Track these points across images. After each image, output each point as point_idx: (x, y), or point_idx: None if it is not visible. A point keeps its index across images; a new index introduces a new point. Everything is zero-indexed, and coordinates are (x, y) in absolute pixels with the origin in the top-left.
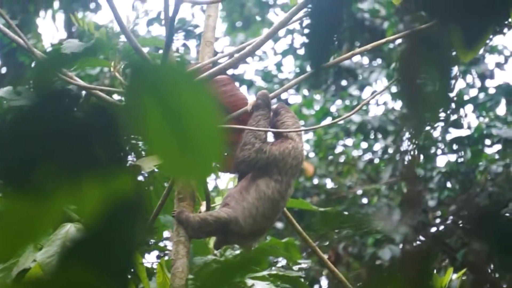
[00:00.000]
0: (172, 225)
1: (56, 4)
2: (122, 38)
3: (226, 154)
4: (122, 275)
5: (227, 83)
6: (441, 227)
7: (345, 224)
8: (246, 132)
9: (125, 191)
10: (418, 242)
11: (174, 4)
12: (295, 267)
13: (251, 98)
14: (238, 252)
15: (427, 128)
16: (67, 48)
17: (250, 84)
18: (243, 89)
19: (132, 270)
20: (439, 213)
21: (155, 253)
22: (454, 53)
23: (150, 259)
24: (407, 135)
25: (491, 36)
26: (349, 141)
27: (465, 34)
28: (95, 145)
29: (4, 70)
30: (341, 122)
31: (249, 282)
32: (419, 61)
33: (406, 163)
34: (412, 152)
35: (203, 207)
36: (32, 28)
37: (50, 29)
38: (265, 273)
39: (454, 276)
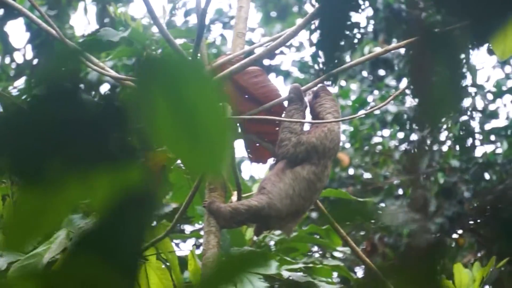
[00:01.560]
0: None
1: None
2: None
3: (258, 144)
4: (130, 267)
5: (258, 74)
6: (478, 219)
7: (355, 214)
8: (282, 128)
9: (136, 183)
10: (426, 237)
11: None
12: (336, 254)
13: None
14: (277, 239)
15: (441, 125)
16: (104, 36)
17: (286, 74)
18: (280, 80)
19: (140, 261)
20: (475, 204)
21: (192, 241)
22: (466, 51)
23: (185, 248)
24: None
25: None
26: (386, 132)
27: (476, 30)
28: (106, 138)
29: (36, 62)
30: (377, 112)
31: (285, 274)
32: (430, 60)
33: (409, 160)
34: (416, 149)
35: (234, 197)
36: (64, 20)
37: (82, 21)
38: (301, 264)
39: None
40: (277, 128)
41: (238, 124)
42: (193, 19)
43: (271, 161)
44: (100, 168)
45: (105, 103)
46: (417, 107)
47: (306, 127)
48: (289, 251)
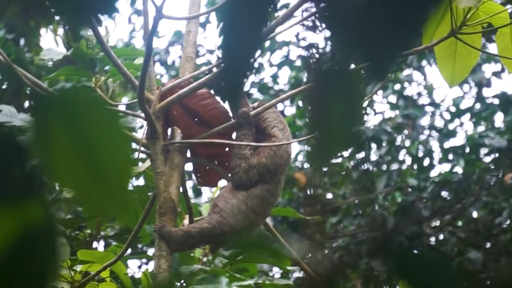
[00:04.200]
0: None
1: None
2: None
3: (207, 168)
4: None
5: (207, 96)
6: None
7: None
8: (232, 155)
9: (36, 221)
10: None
11: (153, 20)
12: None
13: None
14: (226, 261)
15: (335, 160)
16: (47, 55)
17: (246, 96)
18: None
19: None
20: (433, 223)
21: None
22: (363, 86)
23: (133, 268)
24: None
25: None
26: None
27: (372, 66)
28: (3, 174)
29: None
30: None
31: None
32: (326, 96)
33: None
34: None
35: (186, 221)
36: (33, 42)
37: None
38: (251, 281)
39: None
40: (227, 149)
41: (188, 148)
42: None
43: (220, 184)
44: None
45: (1, 139)
46: (314, 142)
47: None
48: (239, 272)
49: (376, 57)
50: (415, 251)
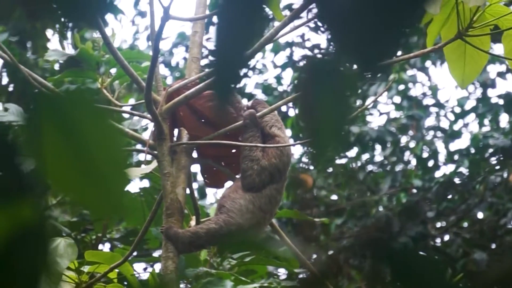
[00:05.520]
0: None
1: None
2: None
3: (215, 169)
4: None
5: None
6: (442, 238)
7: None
8: (242, 157)
9: (28, 220)
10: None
11: (160, 21)
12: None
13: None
14: (235, 262)
15: (329, 157)
16: (51, 56)
17: (250, 97)
18: (244, 103)
19: None
20: (438, 224)
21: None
22: (354, 85)
23: (139, 270)
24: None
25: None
26: (350, 152)
27: (362, 65)
28: None
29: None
30: None
31: None
32: (315, 91)
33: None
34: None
35: (193, 222)
36: (40, 44)
37: (58, 45)
38: (257, 284)
39: None
40: (234, 151)
41: (194, 149)
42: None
43: (227, 185)
44: None
45: None
46: (309, 143)
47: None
48: (247, 274)
49: (366, 57)
50: (409, 252)
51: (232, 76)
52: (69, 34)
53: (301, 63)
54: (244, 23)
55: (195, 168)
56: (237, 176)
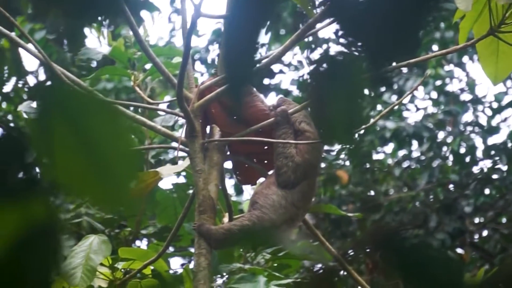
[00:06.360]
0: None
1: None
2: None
3: (246, 165)
4: None
5: (245, 94)
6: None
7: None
8: (276, 154)
9: (39, 216)
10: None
11: (191, 18)
12: None
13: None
14: (269, 256)
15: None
16: (85, 54)
17: (286, 93)
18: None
19: None
20: (476, 219)
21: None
22: (365, 81)
23: (174, 266)
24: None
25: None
26: (387, 148)
27: (374, 69)
28: (6, 172)
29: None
30: (377, 129)
31: None
32: (328, 87)
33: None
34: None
35: (226, 219)
36: (77, 42)
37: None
38: (290, 280)
39: None
40: (266, 147)
41: (226, 146)
42: (193, 40)
43: (260, 182)
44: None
45: (3, 134)
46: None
47: None
48: (281, 268)
49: (377, 54)
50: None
51: (242, 77)
52: (104, 32)
53: (313, 58)
54: (251, 26)
55: (229, 165)
56: (269, 173)
